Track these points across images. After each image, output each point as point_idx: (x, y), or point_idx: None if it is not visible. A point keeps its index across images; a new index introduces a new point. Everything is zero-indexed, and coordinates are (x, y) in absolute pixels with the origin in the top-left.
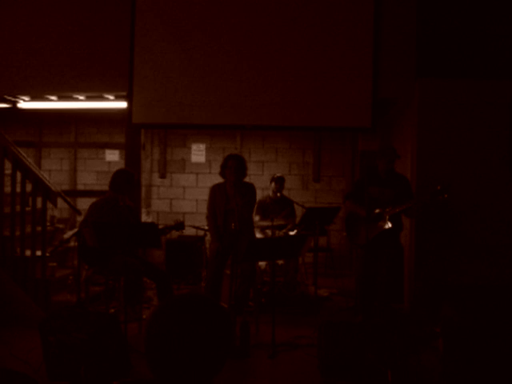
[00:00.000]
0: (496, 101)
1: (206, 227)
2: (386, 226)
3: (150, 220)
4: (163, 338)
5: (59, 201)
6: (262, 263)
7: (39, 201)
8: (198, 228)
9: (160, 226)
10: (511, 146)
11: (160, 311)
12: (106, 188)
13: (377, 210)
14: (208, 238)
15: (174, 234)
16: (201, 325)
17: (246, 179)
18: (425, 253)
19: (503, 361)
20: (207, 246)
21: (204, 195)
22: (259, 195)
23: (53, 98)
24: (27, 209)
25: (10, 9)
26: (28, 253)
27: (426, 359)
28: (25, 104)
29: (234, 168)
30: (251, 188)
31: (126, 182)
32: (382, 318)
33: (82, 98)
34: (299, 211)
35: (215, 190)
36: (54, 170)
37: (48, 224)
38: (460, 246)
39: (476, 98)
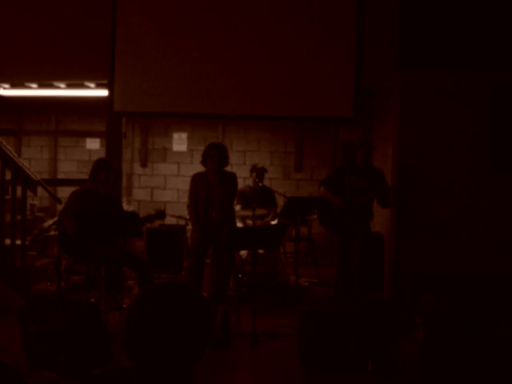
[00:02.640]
0: (477, 92)
1: (187, 216)
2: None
3: (131, 209)
4: (143, 327)
5: (39, 189)
6: (243, 252)
7: (19, 189)
8: (179, 217)
9: (141, 215)
10: (492, 137)
11: (139, 300)
12: (86, 177)
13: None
14: (189, 227)
15: (155, 223)
16: (180, 314)
17: (228, 168)
18: (405, 242)
19: (483, 350)
20: (188, 235)
21: (185, 184)
22: (240, 184)
23: (33, 85)
24: (7, 197)
25: None
26: (8, 242)
27: (406, 348)
28: (4, 91)
29: (215, 157)
30: (233, 177)
31: (107, 171)
32: (362, 308)
33: (62, 85)
34: (281, 201)
35: (196, 179)
36: (34, 158)
37: (28, 213)
38: (440, 235)
39: (457, 89)
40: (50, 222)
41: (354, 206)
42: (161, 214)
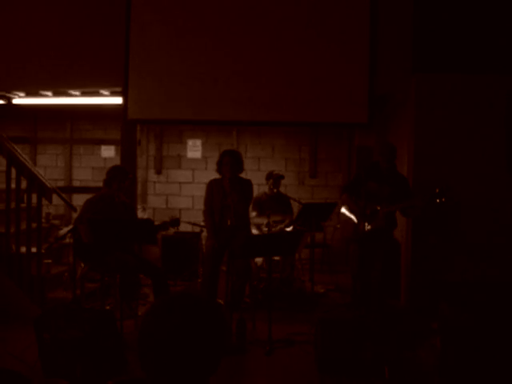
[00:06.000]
0: (492, 96)
1: (202, 223)
2: (380, 225)
3: (145, 216)
4: (157, 338)
5: (54, 197)
6: (258, 259)
7: (34, 197)
8: (194, 224)
9: (156, 223)
10: (508, 141)
11: (153, 311)
12: (101, 184)
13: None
14: (204, 234)
15: (170, 230)
16: (195, 324)
17: (242, 175)
18: (422, 249)
19: (501, 358)
20: (203, 242)
21: (200, 191)
22: (255, 191)
23: (48, 93)
24: (22, 205)
25: (3, 6)
26: (23, 249)
27: (423, 355)
28: (20, 100)
29: (229, 164)
30: (248, 184)
31: (121, 178)
32: (378, 314)
33: (77, 93)
34: (296, 207)
35: (212, 185)
36: (49, 166)
37: (43, 221)
38: (457, 242)
39: (473, 93)
40: (66, 229)
41: (376, 216)
42: (175, 222)
